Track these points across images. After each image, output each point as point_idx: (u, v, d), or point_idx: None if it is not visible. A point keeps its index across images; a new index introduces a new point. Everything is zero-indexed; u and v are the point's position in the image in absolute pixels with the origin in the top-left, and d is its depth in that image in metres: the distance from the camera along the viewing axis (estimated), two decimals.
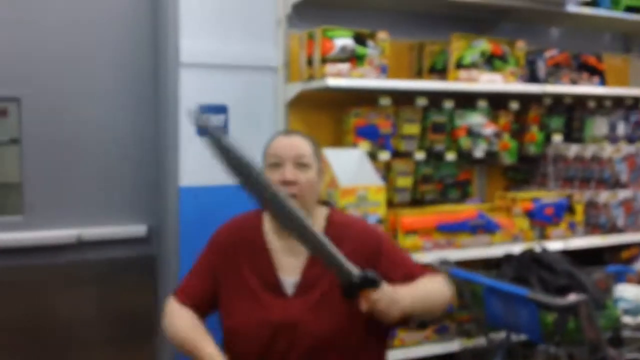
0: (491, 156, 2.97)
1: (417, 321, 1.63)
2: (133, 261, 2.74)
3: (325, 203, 1.81)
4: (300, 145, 1.68)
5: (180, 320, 1.67)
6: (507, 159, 3.00)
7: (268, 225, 1.74)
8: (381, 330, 1.68)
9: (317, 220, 1.71)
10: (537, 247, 2.40)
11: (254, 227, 1.74)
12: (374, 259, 1.65)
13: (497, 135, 2.95)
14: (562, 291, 2.18)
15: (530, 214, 2.83)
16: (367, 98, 2.77)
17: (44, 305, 2.63)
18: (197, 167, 2.67)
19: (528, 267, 2.31)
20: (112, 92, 2.68)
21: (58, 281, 2.63)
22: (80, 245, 2.63)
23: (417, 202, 2.93)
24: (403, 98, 2.79)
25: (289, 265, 1.67)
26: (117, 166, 2.71)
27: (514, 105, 2.99)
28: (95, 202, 2.68)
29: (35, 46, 2.54)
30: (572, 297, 2.08)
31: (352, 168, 2.60)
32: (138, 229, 2.72)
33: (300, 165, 1.65)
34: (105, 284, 2.70)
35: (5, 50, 2.50)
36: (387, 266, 1.65)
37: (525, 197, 2.86)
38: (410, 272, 1.69)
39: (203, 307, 1.73)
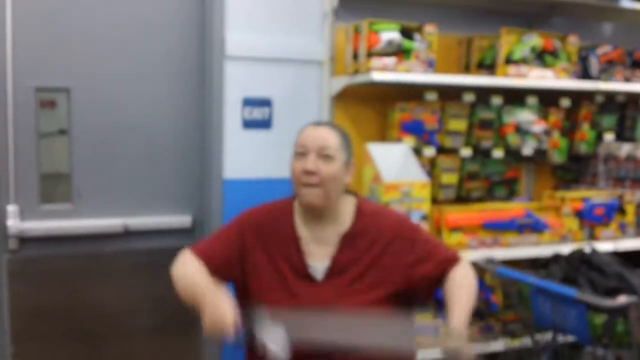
0: (540, 154, 2.95)
1: None
2: (178, 251, 2.80)
3: (350, 192, 1.86)
4: (326, 136, 1.73)
5: (193, 267, 1.75)
6: (557, 158, 2.97)
7: (297, 215, 1.80)
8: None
9: (346, 209, 1.77)
10: (586, 247, 2.38)
11: (285, 215, 1.80)
12: (408, 248, 1.73)
13: (547, 132, 2.92)
14: (612, 293, 2.16)
15: (579, 214, 2.80)
16: (413, 93, 2.77)
17: (90, 293, 2.72)
18: (240, 160, 2.74)
19: (577, 267, 2.29)
20: (159, 84, 2.76)
21: (105, 269, 2.73)
22: (127, 234, 2.72)
23: (462, 199, 2.93)
24: (450, 93, 2.79)
25: (319, 252, 1.73)
26: (163, 158, 2.79)
27: (565, 103, 2.96)
28: (142, 192, 2.77)
29: (85, 38, 2.63)
30: (622, 299, 2.07)
31: (396, 163, 2.62)
32: (183, 220, 2.80)
33: (324, 156, 1.70)
34: (151, 273, 2.78)
35: (56, 42, 2.59)
36: (421, 255, 1.74)
37: (575, 197, 2.84)
38: (443, 260, 1.76)
39: (216, 273, 1.74)
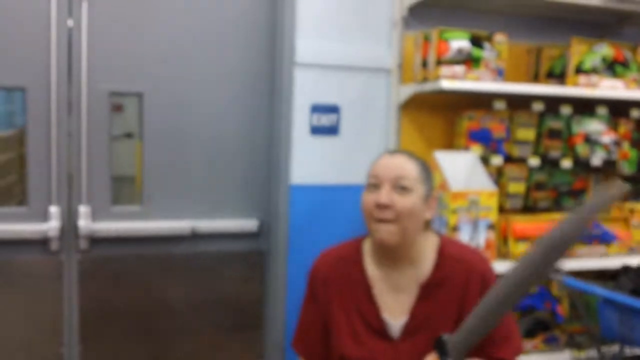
0: (609, 165, 3.11)
1: None
2: (244, 255, 3.06)
3: (433, 231, 1.75)
4: (402, 166, 1.63)
5: None
6: (627, 169, 3.12)
7: (369, 258, 1.71)
8: None
9: (426, 251, 1.67)
10: None
11: (354, 262, 1.71)
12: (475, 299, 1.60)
13: (617, 143, 3.07)
14: None
15: None
16: (481, 101, 2.96)
17: (158, 293, 2.97)
18: (308, 165, 2.96)
19: None
20: (229, 90, 2.99)
21: (172, 271, 2.97)
22: (194, 237, 2.97)
23: (529, 209, 3.09)
24: (518, 102, 2.97)
25: (395, 304, 1.64)
26: (231, 162, 3.03)
27: (636, 113, 3.10)
28: (210, 196, 3.00)
29: (158, 44, 2.88)
30: None
31: (463, 172, 2.81)
32: (250, 224, 3.04)
33: (400, 188, 1.60)
34: (217, 276, 3.02)
35: (130, 48, 2.84)
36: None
37: None
38: (495, 341, 1.61)
39: (321, 348, 1.75)
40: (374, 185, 1.63)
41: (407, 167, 1.63)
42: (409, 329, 1.61)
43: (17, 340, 2.80)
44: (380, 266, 1.67)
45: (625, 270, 2.58)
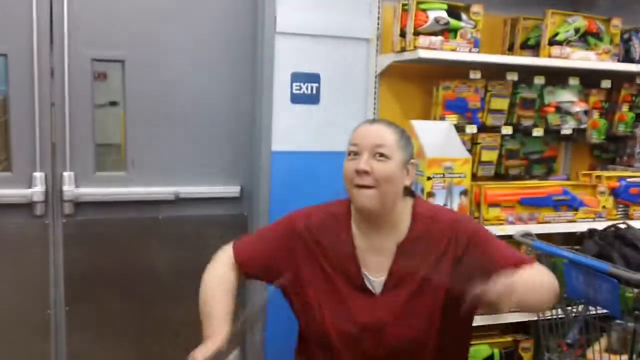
0: (579, 134, 3.23)
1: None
2: (226, 219, 3.15)
3: (409, 192, 1.79)
4: (381, 134, 1.68)
5: (220, 277, 1.88)
6: (595, 137, 3.24)
7: (354, 221, 1.76)
8: (465, 332, 1.83)
9: (403, 214, 1.73)
10: (621, 224, 2.68)
11: (344, 220, 1.77)
12: (467, 253, 1.69)
13: (587, 113, 3.20)
14: None
15: (614, 193, 3.08)
16: (457, 71, 3.04)
17: (142, 257, 3.05)
18: (288, 132, 3.04)
19: (611, 243, 2.59)
20: (212, 58, 3.04)
21: (156, 235, 3.05)
22: (178, 201, 3.05)
23: (501, 176, 3.22)
24: (493, 73, 3.06)
25: (375, 263, 1.71)
26: (214, 129, 3.09)
27: (606, 84, 3.22)
28: (193, 161, 3.07)
29: (140, 11, 2.90)
30: None
31: (439, 140, 2.91)
32: (232, 189, 3.12)
33: (379, 155, 1.65)
34: (200, 239, 3.10)
35: (112, 14, 2.86)
36: (483, 259, 1.66)
37: (611, 176, 3.12)
38: (512, 263, 1.65)
39: (252, 272, 1.86)
40: (354, 152, 1.68)
41: (386, 135, 1.68)
42: (389, 286, 1.68)
43: (4, 302, 2.87)
44: (363, 231, 1.73)
45: (591, 234, 2.71)
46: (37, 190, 2.82)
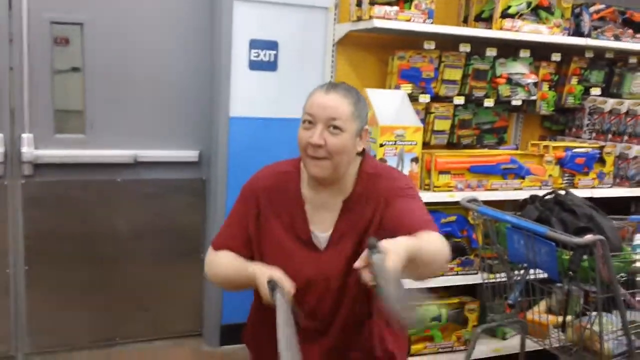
0: (529, 105, 3.34)
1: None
2: (185, 183, 3.20)
3: (359, 153, 1.80)
4: (336, 106, 1.66)
5: (221, 259, 1.77)
6: (545, 109, 3.34)
7: (304, 179, 1.78)
8: None
9: (350, 175, 1.76)
10: (561, 190, 2.80)
11: (292, 180, 1.78)
12: (385, 212, 1.71)
13: (537, 85, 3.30)
14: (581, 232, 2.55)
15: (561, 162, 3.19)
16: (413, 42, 3.10)
17: (101, 218, 3.10)
18: (246, 99, 3.08)
19: (551, 208, 2.70)
20: (170, 24, 3.07)
21: (115, 197, 3.10)
22: (137, 165, 3.09)
23: (453, 145, 3.30)
24: (447, 44, 3.13)
25: (322, 220, 1.74)
26: (172, 94, 3.13)
27: (556, 57, 3.31)
28: (152, 126, 3.11)
29: None
30: (589, 237, 2.45)
31: (393, 108, 2.98)
32: (191, 154, 3.17)
33: (333, 127, 1.65)
34: (159, 202, 3.17)
35: None
36: (393, 217, 1.68)
37: (558, 146, 3.21)
38: (414, 225, 1.63)
39: (239, 252, 1.80)
40: (309, 122, 1.67)
41: (341, 108, 1.66)
42: (333, 240, 1.72)
43: None
44: (313, 189, 1.75)
45: (532, 199, 2.81)
46: None
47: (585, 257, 2.53)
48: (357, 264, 1.38)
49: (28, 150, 2.91)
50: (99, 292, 3.17)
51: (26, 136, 2.90)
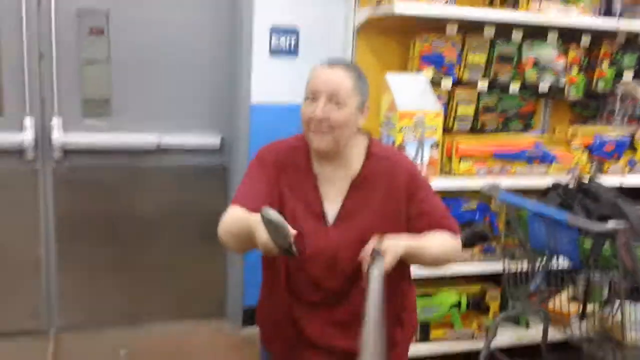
0: (557, 90, 3.25)
1: None
2: (207, 169, 3.26)
3: (364, 133, 1.86)
4: (338, 80, 1.71)
5: (231, 215, 1.73)
6: (574, 94, 3.24)
7: (313, 156, 1.82)
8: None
9: (357, 152, 1.81)
10: (584, 177, 2.73)
11: (303, 152, 1.82)
12: (407, 199, 1.79)
13: (566, 69, 3.21)
14: (604, 219, 2.48)
15: (589, 149, 3.10)
16: (434, 25, 3.06)
17: (126, 201, 3.20)
18: (267, 85, 3.11)
19: (573, 195, 2.64)
20: (192, 12, 3.12)
21: (140, 181, 3.19)
22: (160, 150, 3.16)
23: (477, 131, 3.24)
24: (471, 27, 3.07)
25: (330, 195, 1.79)
26: (195, 82, 3.18)
27: (586, 40, 3.21)
28: (175, 113, 3.18)
29: None
30: (610, 224, 2.39)
31: (413, 93, 2.95)
32: (212, 140, 3.22)
33: (335, 102, 1.69)
34: (181, 188, 3.23)
35: None
36: (416, 211, 1.79)
37: (586, 132, 3.13)
38: (433, 223, 1.80)
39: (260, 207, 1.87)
40: (312, 98, 1.72)
41: (343, 82, 1.70)
42: (341, 216, 1.77)
43: None
44: (319, 163, 1.80)
45: (555, 186, 2.76)
46: (27, 137, 2.95)
47: (607, 245, 2.48)
48: (361, 255, 1.62)
49: (58, 135, 3.01)
50: (126, 272, 3.27)
51: (56, 122, 3.00)
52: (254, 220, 1.53)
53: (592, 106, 3.46)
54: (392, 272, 1.63)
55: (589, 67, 3.29)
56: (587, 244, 2.49)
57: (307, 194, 1.79)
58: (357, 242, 1.70)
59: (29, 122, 2.96)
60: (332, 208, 1.79)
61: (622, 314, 2.57)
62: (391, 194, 1.77)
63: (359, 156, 1.81)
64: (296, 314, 1.84)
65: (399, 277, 1.82)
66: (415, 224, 1.79)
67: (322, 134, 1.70)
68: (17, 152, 2.99)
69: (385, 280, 1.58)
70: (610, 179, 3.02)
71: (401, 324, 1.92)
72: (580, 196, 2.65)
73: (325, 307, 1.83)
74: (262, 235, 1.48)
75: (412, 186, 1.80)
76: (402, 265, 1.72)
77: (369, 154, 1.81)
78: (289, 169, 1.81)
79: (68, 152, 3.06)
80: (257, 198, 1.73)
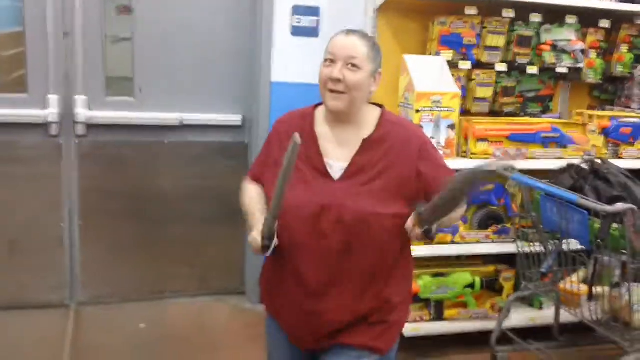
0: (575, 73, 3.29)
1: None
2: (228, 146, 3.37)
3: (377, 105, 2.02)
4: (355, 46, 1.85)
5: (248, 193, 2.01)
6: (592, 77, 3.27)
7: (321, 119, 1.97)
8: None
9: (370, 117, 1.95)
10: (597, 159, 2.78)
11: (306, 117, 1.98)
12: (417, 160, 1.90)
13: (584, 52, 3.24)
14: (614, 201, 2.54)
15: (605, 132, 3.14)
16: (454, 7, 3.10)
17: (149, 177, 3.31)
18: (288, 64, 3.19)
19: (585, 177, 2.69)
20: None
21: (163, 158, 3.30)
22: (183, 127, 3.27)
23: (495, 113, 3.30)
24: (490, 9, 3.11)
25: (339, 153, 1.91)
26: (217, 60, 3.28)
27: (605, 24, 3.24)
28: (198, 91, 3.28)
29: None
30: (619, 206, 2.45)
31: (431, 75, 3.00)
32: (234, 118, 3.33)
33: (352, 65, 1.83)
34: (203, 164, 3.35)
35: None
36: (429, 170, 1.89)
37: (603, 115, 3.16)
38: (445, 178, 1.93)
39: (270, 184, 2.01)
40: (330, 60, 1.86)
41: (359, 48, 1.85)
42: (348, 173, 1.88)
43: (21, 215, 3.17)
44: (331, 125, 1.93)
45: (568, 167, 2.81)
46: (51, 112, 3.07)
47: (617, 226, 2.53)
48: (408, 223, 1.76)
49: (81, 111, 3.12)
50: (148, 248, 3.39)
51: (79, 98, 3.12)
52: (253, 219, 1.89)
53: (610, 90, 3.49)
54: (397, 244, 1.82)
55: (607, 51, 3.32)
56: (597, 225, 2.54)
57: (311, 153, 1.91)
58: (363, 194, 1.84)
59: (53, 98, 3.08)
60: (339, 164, 1.91)
61: (630, 295, 2.62)
62: (402, 157, 1.89)
63: (372, 121, 1.95)
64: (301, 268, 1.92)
65: (403, 248, 1.93)
66: (429, 179, 1.87)
67: (338, 94, 1.84)
68: (42, 126, 3.11)
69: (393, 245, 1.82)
70: (626, 163, 3.06)
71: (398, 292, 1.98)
72: (592, 177, 2.70)
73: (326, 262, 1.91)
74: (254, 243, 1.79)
75: (424, 149, 1.92)
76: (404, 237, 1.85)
77: (382, 120, 1.95)
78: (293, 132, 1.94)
79: (91, 127, 3.18)
80: (266, 169, 1.98)
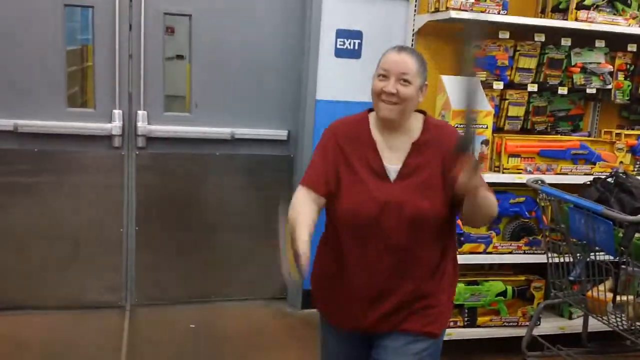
0: (604, 94, 3.55)
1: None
2: (275, 159, 3.70)
3: (421, 111, 2.26)
4: (406, 63, 2.07)
5: (297, 207, 2.08)
6: (619, 98, 3.52)
7: (374, 125, 2.18)
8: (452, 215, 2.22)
9: (416, 123, 2.18)
10: (621, 173, 3.04)
11: (362, 124, 2.18)
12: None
13: (612, 74, 3.52)
14: (637, 212, 2.79)
15: (633, 150, 3.39)
16: (489, 31, 3.37)
17: (202, 188, 3.65)
18: (331, 84, 3.53)
19: (611, 190, 2.94)
20: (265, 15, 3.56)
21: (215, 169, 3.64)
22: (234, 140, 3.61)
23: (527, 131, 3.57)
24: (522, 34, 3.40)
25: (391, 156, 2.14)
26: (266, 79, 3.62)
27: (632, 47, 3.49)
28: (247, 107, 3.63)
29: None
30: None
31: None
32: (280, 133, 3.66)
33: (403, 80, 2.06)
34: (252, 175, 3.68)
35: None
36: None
37: (630, 134, 3.42)
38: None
39: (324, 188, 2.19)
40: (384, 75, 2.08)
41: (409, 64, 2.08)
42: (402, 174, 2.11)
43: (85, 220, 3.53)
44: (381, 132, 2.16)
45: (595, 181, 3.08)
46: (115, 125, 3.45)
47: (638, 235, 2.78)
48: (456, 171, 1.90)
49: (142, 125, 3.48)
50: (198, 254, 3.71)
51: (141, 113, 3.48)
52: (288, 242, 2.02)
53: (638, 111, 3.75)
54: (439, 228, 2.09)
55: (634, 73, 3.58)
56: (622, 234, 2.79)
57: (369, 157, 2.15)
58: (418, 194, 2.08)
59: (117, 113, 3.45)
60: (393, 166, 2.14)
61: None
62: (445, 155, 2.10)
63: (418, 126, 2.19)
64: (350, 268, 2.17)
65: (446, 231, 2.19)
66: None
67: (391, 105, 2.08)
68: (106, 138, 3.47)
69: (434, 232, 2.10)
70: None
71: (442, 273, 2.21)
72: (617, 190, 2.96)
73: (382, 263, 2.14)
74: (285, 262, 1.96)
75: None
76: (448, 222, 2.13)
77: (427, 125, 2.19)
78: (351, 139, 2.18)
79: (150, 140, 3.53)
80: (318, 178, 2.15)
